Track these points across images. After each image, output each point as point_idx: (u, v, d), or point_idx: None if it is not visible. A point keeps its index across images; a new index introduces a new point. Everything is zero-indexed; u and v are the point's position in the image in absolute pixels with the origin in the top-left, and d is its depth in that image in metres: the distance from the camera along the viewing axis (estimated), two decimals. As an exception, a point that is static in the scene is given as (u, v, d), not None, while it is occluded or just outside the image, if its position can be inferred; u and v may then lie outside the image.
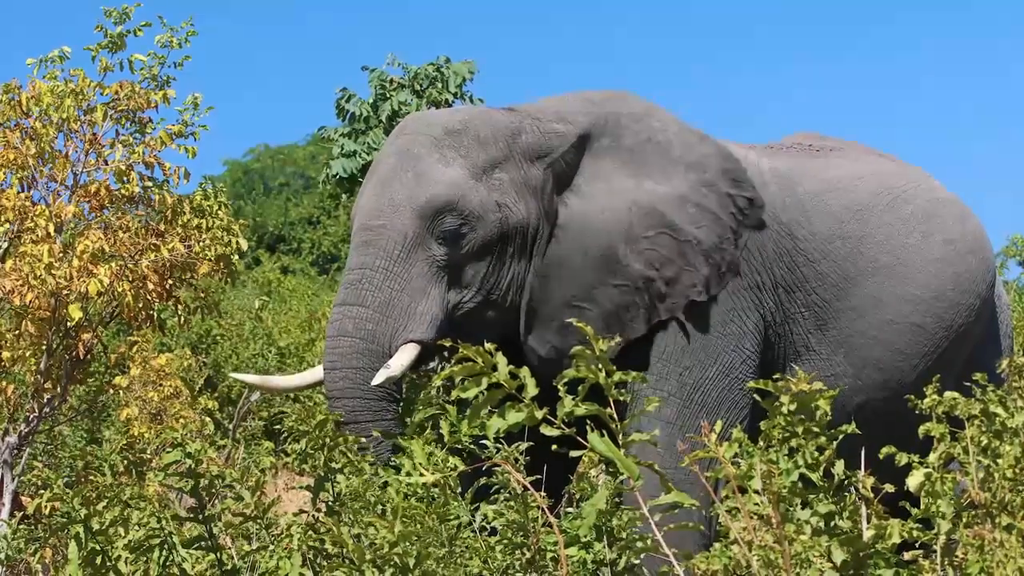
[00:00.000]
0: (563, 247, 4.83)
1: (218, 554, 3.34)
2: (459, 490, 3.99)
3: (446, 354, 4.17)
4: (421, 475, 3.68)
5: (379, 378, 4.46)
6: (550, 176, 4.87)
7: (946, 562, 3.03)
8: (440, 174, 4.71)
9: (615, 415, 2.70)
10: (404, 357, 4.57)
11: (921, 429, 3.26)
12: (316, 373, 4.81)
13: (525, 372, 2.64)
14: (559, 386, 2.69)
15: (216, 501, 3.48)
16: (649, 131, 4.97)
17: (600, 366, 2.68)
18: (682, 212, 4.85)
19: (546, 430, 2.66)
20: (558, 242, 4.84)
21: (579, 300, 4.80)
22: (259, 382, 5.06)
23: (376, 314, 4.61)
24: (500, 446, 3.89)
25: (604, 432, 2.74)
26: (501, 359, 2.62)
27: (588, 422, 2.69)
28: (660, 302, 4.80)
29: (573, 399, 2.63)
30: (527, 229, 4.80)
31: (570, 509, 4.18)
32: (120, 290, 5.62)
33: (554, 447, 2.71)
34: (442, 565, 3.42)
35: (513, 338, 4.81)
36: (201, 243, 5.91)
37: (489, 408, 2.70)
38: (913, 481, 3.07)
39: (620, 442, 2.78)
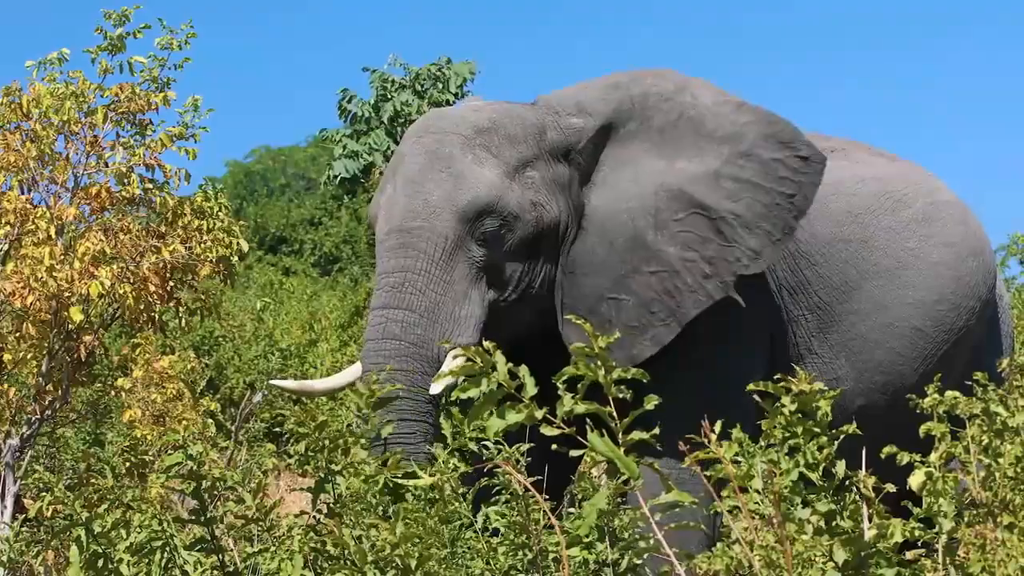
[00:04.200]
0: (588, 241, 4.77)
1: (220, 556, 3.34)
2: (461, 491, 3.98)
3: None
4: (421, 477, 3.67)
5: (438, 387, 4.37)
6: (576, 172, 4.81)
7: (948, 561, 3.03)
8: (477, 175, 4.61)
9: (615, 413, 2.69)
10: (456, 364, 4.50)
11: (922, 428, 3.26)
12: (354, 371, 4.64)
13: (524, 371, 2.62)
14: (558, 384, 2.67)
15: (218, 503, 3.48)
16: (680, 108, 4.83)
17: (599, 363, 2.66)
18: (715, 190, 4.72)
19: (546, 430, 2.64)
20: (583, 237, 4.77)
21: (613, 292, 4.72)
22: (298, 387, 4.87)
23: (423, 319, 4.51)
24: (501, 447, 3.88)
25: (604, 431, 2.73)
26: (500, 359, 2.60)
27: (588, 421, 2.69)
28: (707, 281, 4.67)
29: (573, 397, 2.62)
30: (558, 227, 4.73)
31: (572, 509, 4.18)
32: (121, 292, 5.62)
33: (554, 446, 2.70)
34: (444, 566, 3.42)
35: (550, 334, 4.74)
36: (202, 245, 5.91)
37: (492, 409, 2.68)
38: (915, 480, 3.07)
39: (620, 441, 2.77)
